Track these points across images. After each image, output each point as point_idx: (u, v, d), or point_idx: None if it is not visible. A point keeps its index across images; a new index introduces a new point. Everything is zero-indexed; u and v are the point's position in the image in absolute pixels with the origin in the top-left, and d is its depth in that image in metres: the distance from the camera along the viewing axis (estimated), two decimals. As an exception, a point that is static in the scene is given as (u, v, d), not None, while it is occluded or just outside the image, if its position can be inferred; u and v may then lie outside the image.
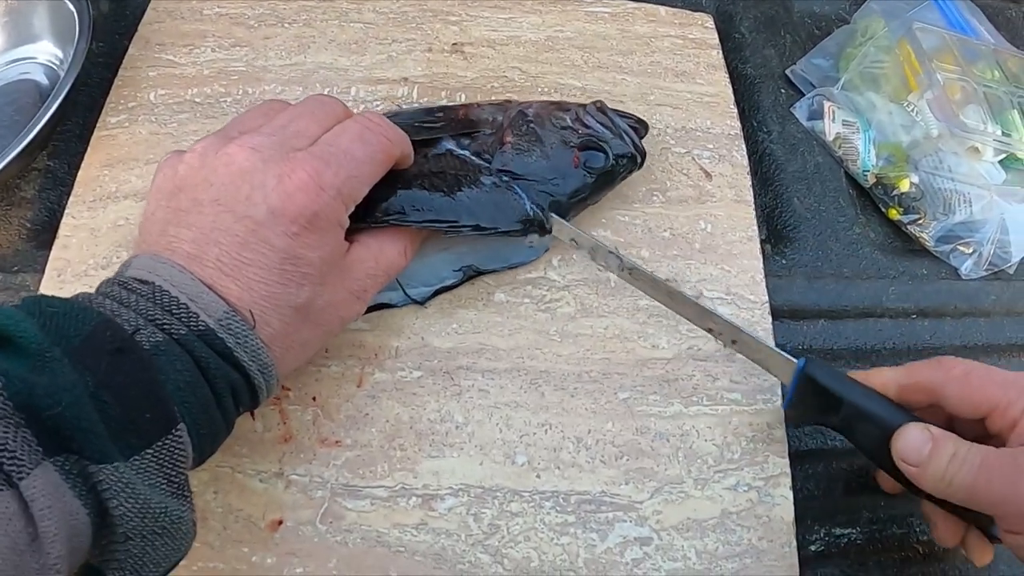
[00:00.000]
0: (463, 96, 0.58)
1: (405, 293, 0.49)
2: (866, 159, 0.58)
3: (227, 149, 0.40)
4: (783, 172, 0.59)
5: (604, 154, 0.51)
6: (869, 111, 0.59)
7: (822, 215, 0.57)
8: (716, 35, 0.62)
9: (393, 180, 0.46)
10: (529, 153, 0.50)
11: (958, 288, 0.57)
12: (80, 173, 0.55)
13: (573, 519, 0.44)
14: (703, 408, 0.48)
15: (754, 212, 0.54)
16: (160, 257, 0.38)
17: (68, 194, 0.56)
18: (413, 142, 0.47)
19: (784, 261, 0.55)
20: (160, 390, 0.33)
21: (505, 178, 0.49)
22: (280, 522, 0.44)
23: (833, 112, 0.59)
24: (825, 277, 0.55)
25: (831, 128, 0.58)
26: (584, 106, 0.53)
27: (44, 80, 0.62)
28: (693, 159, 0.56)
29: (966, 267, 0.56)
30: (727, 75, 0.60)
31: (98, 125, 0.57)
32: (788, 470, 0.47)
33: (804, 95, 0.61)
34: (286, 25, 0.61)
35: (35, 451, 0.29)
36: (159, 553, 0.33)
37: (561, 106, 0.53)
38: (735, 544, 0.45)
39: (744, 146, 0.57)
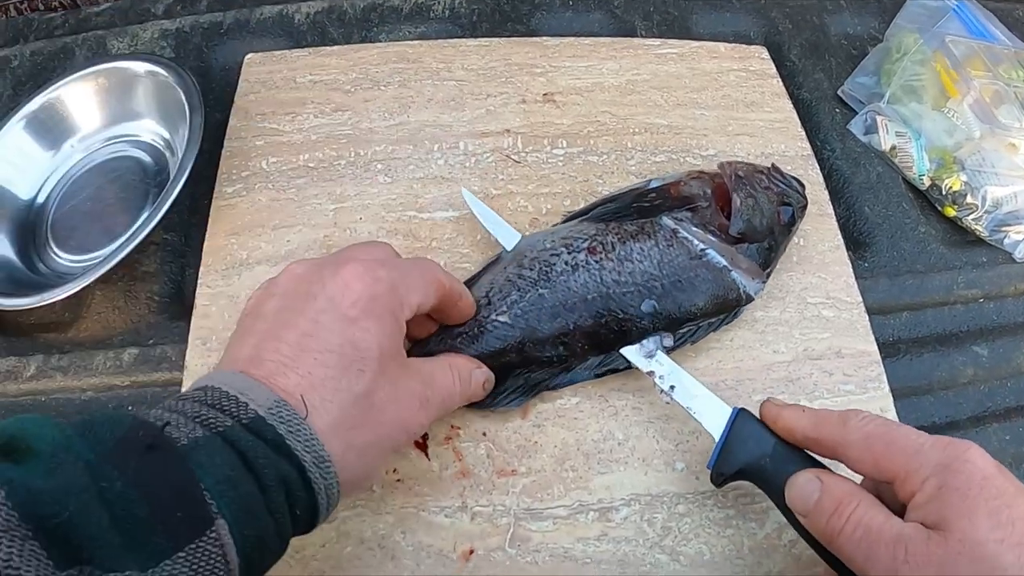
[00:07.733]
0: (564, 142, 0.62)
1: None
2: (920, 164, 0.64)
3: (286, 268, 0.43)
4: (850, 185, 0.65)
5: (792, 209, 0.54)
6: (915, 120, 0.65)
7: (890, 219, 0.63)
8: (772, 65, 0.67)
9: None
10: (754, 215, 0.53)
11: (1015, 270, 0.63)
12: (206, 243, 0.58)
13: (734, 512, 0.49)
14: (825, 401, 0.53)
15: (835, 223, 0.60)
16: (220, 370, 0.38)
17: (189, 265, 0.59)
18: (636, 230, 0.52)
19: (866, 264, 0.61)
20: (193, 487, 0.31)
21: (740, 247, 0.52)
22: (471, 551, 0.48)
23: (886, 125, 0.65)
24: (903, 274, 0.61)
25: (886, 140, 0.65)
26: (767, 168, 0.55)
27: (146, 157, 0.64)
28: (777, 181, 0.61)
29: (1020, 251, 0.63)
30: (790, 101, 0.66)
31: (215, 195, 0.60)
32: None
33: (856, 112, 0.68)
34: (382, 88, 0.65)
35: (44, 565, 0.26)
36: None
37: (756, 167, 0.55)
38: (876, 515, 0.50)
39: (817, 164, 0.63)
